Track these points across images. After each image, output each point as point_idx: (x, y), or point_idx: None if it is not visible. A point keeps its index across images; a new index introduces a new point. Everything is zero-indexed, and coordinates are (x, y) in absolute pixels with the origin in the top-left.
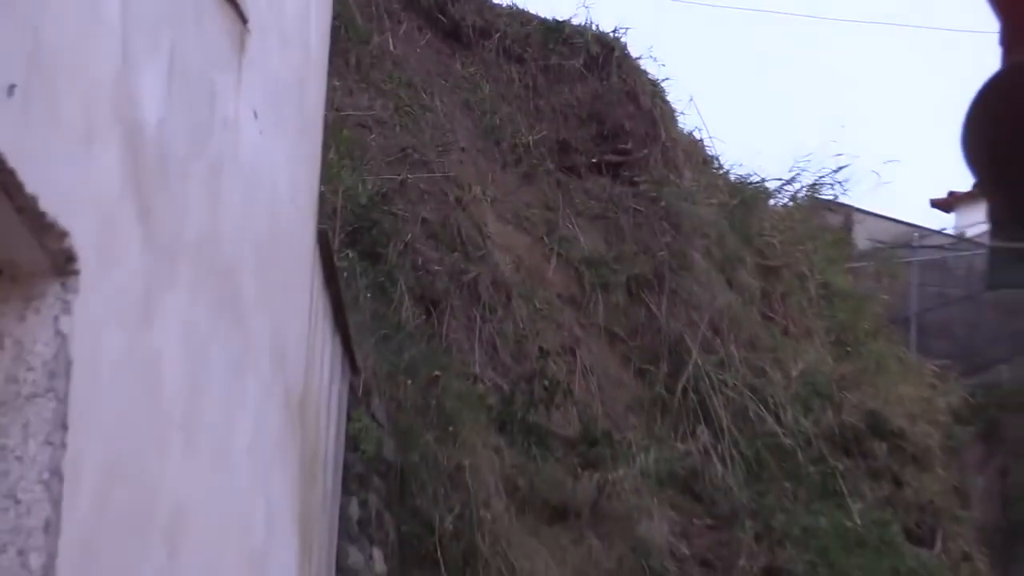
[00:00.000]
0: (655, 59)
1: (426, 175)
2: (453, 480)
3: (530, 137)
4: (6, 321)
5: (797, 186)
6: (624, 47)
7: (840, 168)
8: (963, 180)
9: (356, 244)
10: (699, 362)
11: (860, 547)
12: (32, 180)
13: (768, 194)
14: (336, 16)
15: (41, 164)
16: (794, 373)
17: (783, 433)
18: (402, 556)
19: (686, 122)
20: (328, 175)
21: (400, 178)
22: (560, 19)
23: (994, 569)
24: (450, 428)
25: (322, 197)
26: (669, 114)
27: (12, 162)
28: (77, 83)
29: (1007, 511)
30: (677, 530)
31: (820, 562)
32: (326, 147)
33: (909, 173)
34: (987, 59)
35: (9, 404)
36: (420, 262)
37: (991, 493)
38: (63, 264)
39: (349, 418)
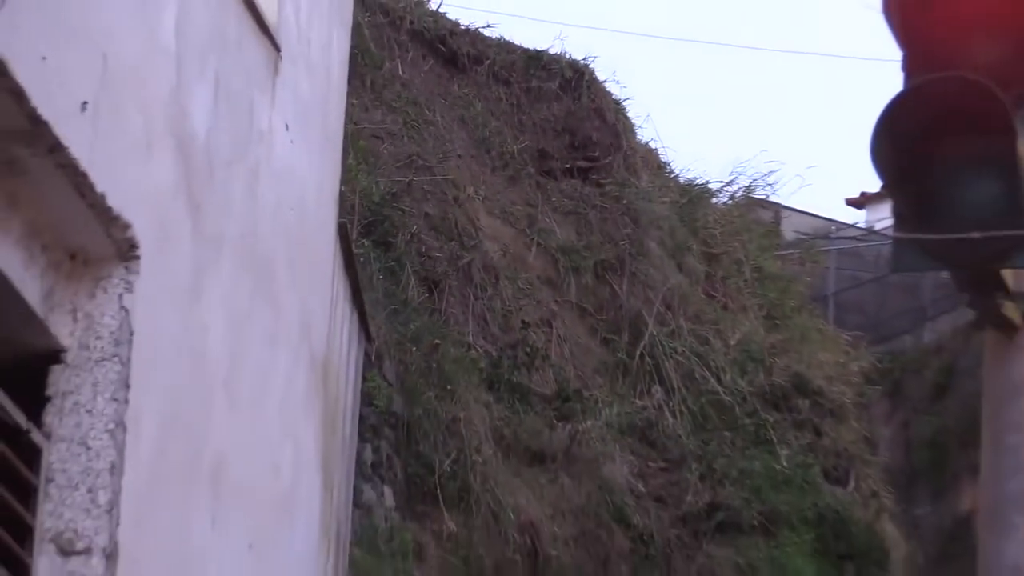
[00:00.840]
0: (618, 82)
1: (428, 178)
2: (450, 430)
3: (514, 146)
4: (79, 298)
5: (735, 187)
6: (592, 72)
7: (770, 172)
8: (872, 182)
9: (370, 235)
10: (654, 332)
11: (786, 486)
12: (101, 180)
13: (711, 194)
14: (354, 46)
15: (108, 167)
16: (732, 342)
17: (723, 391)
18: (408, 493)
19: (643, 134)
20: (347, 177)
21: (407, 180)
22: (539, 49)
23: (897, 504)
24: (448, 387)
25: (342, 196)
26: (629, 127)
27: (84, 166)
28: (138, 100)
29: (908, 456)
30: (635, 472)
31: (754, 498)
32: (345, 154)
33: (827, 176)
34: (889, 82)
35: (81, 367)
36: (423, 249)
37: (895, 441)
38: (126, 250)
39: (364, 378)
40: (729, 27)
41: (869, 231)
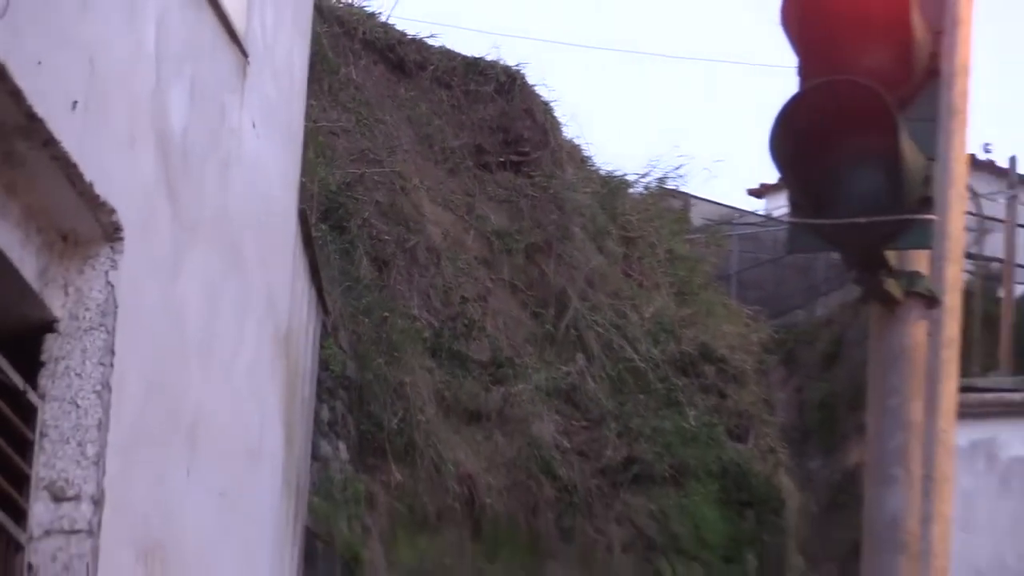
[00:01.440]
0: (546, 86)
1: (378, 170)
2: (397, 392)
3: (455, 142)
4: (70, 274)
5: (649, 179)
6: (523, 77)
7: (680, 166)
8: (770, 174)
9: (327, 220)
10: (577, 307)
11: (694, 442)
12: (89, 171)
13: (628, 185)
14: (313, 53)
15: (96, 159)
16: (646, 315)
17: (638, 359)
18: (360, 448)
19: (569, 132)
20: (307, 169)
21: (360, 172)
22: (477, 56)
23: (791, 459)
24: (395, 354)
25: (302, 185)
26: (556, 126)
27: (75, 158)
28: (123, 99)
29: (802, 417)
30: (560, 429)
31: (665, 453)
32: (305, 149)
33: (730, 169)
34: (786, 85)
35: (71, 335)
36: (374, 233)
37: (790, 404)
38: (112, 233)
39: (321, 346)
40: (648, 37)
41: (767, 217)
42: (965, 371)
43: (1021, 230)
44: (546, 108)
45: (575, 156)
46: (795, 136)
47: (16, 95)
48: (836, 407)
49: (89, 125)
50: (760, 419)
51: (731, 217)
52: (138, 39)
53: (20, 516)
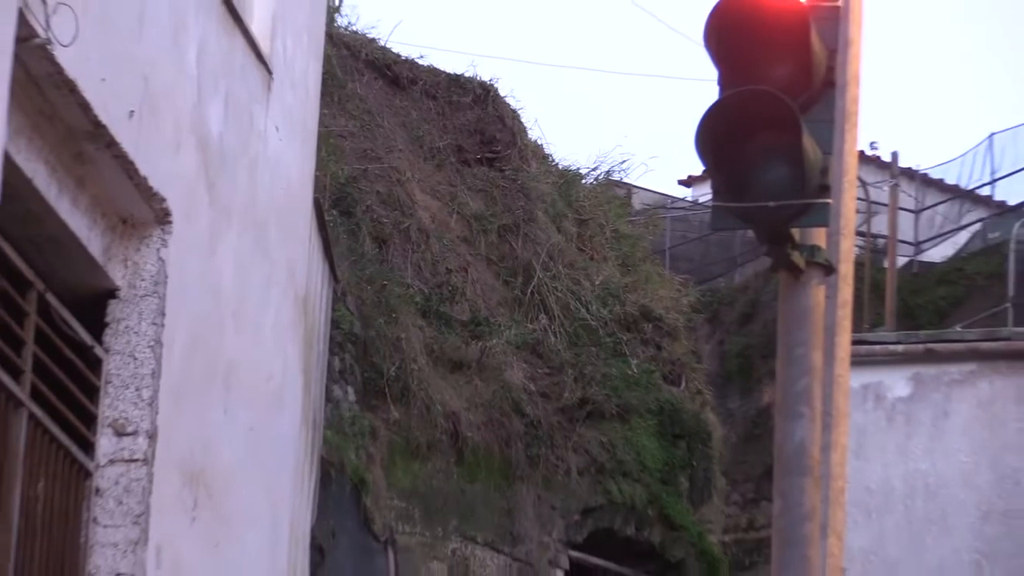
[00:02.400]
0: (514, 96)
1: (378, 166)
2: (395, 346)
3: (440, 143)
4: (128, 251)
5: (598, 172)
6: (496, 89)
7: (623, 161)
8: (697, 167)
9: (337, 206)
10: (540, 276)
11: (636, 385)
12: (143, 167)
13: (581, 177)
14: (325, 71)
15: (149, 158)
16: (596, 282)
17: (590, 318)
18: (364, 391)
19: (532, 134)
20: (320, 166)
21: (363, 168)
22: (458, 73)
23: (715, 399)
24: (393, 315)
25: (316, 179)
26: (522, 129)
27: (132, 157)
28: (170, 109)
29: (723, 365)
30: (527, 376)
31: (612, 395)
32: (319, 149)
33: (664, 163)
34: (707, 94)
35: (130, 301)
36: (375, 217)
37: (714, 354)
38: (162, 217)
39: (333, 309)
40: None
41: (694, 203)
42: (856, 327)
43: (901, 212)
44: (514, 115)
45: (538, 154)
46: (716, 135)
47: (84, 106)
48: (751, 357)
49: (143, 130)
50: (690, 367)
51: (664, 203)
52: (182, 60)
53: (89, 448)
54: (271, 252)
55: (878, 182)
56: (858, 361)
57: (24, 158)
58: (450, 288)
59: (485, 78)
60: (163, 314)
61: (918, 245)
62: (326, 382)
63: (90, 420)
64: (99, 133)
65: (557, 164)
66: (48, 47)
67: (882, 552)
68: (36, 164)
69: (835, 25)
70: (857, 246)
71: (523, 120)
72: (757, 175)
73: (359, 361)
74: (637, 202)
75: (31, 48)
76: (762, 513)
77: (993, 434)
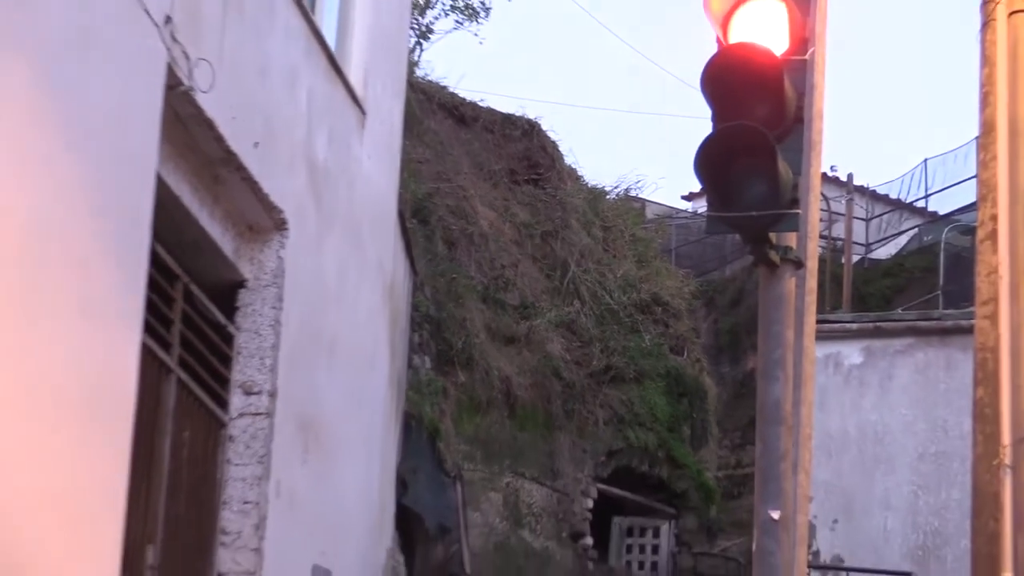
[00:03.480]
0: (553, 131)
1: (448, 185)
2: (461, 325)
3: (496, 167)
4: (253, 251)
5: (619, 189)
6: (539, 126)
7: (638, 180)
8: (696, 185)
9: (416, 216)
10: (574, 270)
11: (648, 356)
12: (265, 186)
13: (605, 193)
14: (407, 111)
15: (269, 179)
16: (618, 275)
17: (613, 303)
18: (438, 360)
19: (567, 160)
20: (403, 184)
21: (436, 186)
22: (510, 112)
23: (711, 365)
24: (460, 300)
25: (400, 195)
26: (559, 157)
27: (256, 178)
28: (286, 141)
29: (717, 339)
30: (564, 348)
31: (630, 362)
32: (402, 171)
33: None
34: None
35: (255, 290)
36: (446, 224)
37: (710, 331)
38: (280, 224)
39: (413, 296)
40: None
41: (694, 213)
42: (820, 310)
43: (855, 220)
44: (553, 145)
45: (571, 175)
46: (710, 160)
47: (219, 139)
48: (739, 332)
49: (265, 157)
50: (690, 341)
51: (671, 213)
52: (295, 102)
53: (223, 405)
54: (364, 251)
55: (836, 196)
56: (821, 336)
57: (173, 180)
58: (504, 280)
59: (531, 116)
60: (281, 300)
61: (868, 246)
62: (408, 353)
63: (224, 383)
64: (231, 160)
65: (586, 183)
66: (191, 93)
67: (840, 484)
68: (182, 184)
69: (803, 75)
70: (820, 246)
71: (560, 149)
72: (742, 191)
73: (433, 336)
74: (649, 212)
75: (177, 94)
76: (747, 455)
77: (927, 393)
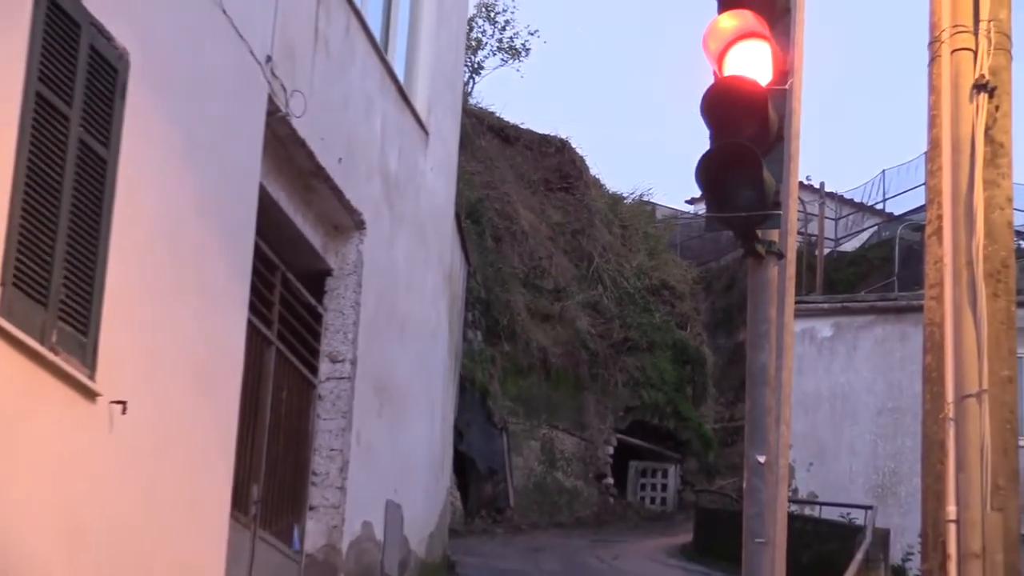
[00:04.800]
0: (580, 148)
1: (495, 192)
2: (506, 305)
3: (534, 177)
4: (338, 246)
5: (634, 195)
6: (569, 143)
7: (650, 188)
8: (696, 191)
9: (470, 217)
10: (597, 261)
11: (659, 330)
12: (347, 193)
13: (623, 198)
14: (462, 133)
15: (351, 188)
16: (633, 265)
17: (629, 287)
18: (487, 334)
19: (593, 171)
20: (459, 192)
21: (486, 193)
22: (545, 133)
23: (709, 338)
24: (505, 286)
25: (456, 200)
26: (586, 168)
27: (340, 187)
28: (365, 156)
29: (714, 316)
30: (590, 324)
31: (643, 335)
32: (458, 181)
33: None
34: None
35: (339, 277)
36: (494, 224)
37: (708, 310)
38: (359, 224)
39: (467, 281)
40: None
41: (696, 214)
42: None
43: (826, 220)
44: (581, 160)
45: (596, 184)
46: (709, 171)
47: (310, 155)
48: (732, 311)
49: (347, 170)
50: (692, 318)
51: (676, 214)
52: (371, 126)
53: (314, 370)
54: (428, 246)
55: (811, 200)
56: (798, 314)
57: (273, 188)
58: (540, 269)
59: (563, 136)
60: (360, 285)
61: (836, 241)
62: (463, 328)
63: (314, 352)
64: (319, 172)
65: (608, 190)
66: (287, 118)
67: (814, 434)
68: (280, 192)
69: (783, 101)
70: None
71: (587, 162)
72: (734, 196)
73: (483, 315)
74: (659, 214)
75: (276, 119)
76: (738, 410)
77: (885, 360)
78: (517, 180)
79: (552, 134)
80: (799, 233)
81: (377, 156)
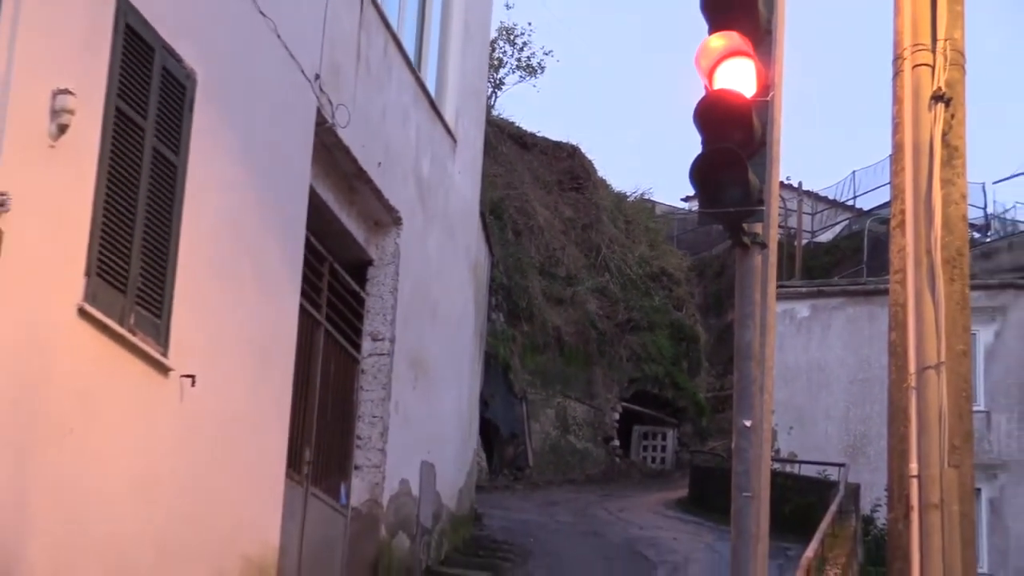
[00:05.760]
0: (588, 153)
1: (515, 192)
2: (525, 291)
3: (549, 179)
4: (378, 239)
5: (636, 193)
6: (579, 149)
7: (650, 187)
8: (690, 190)
9: (493, 214)
10: (604, 251)
11: (658, 312)
12: (386, 193)
13: (627, 196)
14: (486, 140)
15: (389, 189)
16: (636, 255)
17: (632, 274)
18: (509, 315)
19: (600, 173)
20: (483, 192)
21: (507, 193)
22: (558, 140)
23: (702, 318)
24: (524, 274)
25: (481, 199)
26: (594, 170)
27: (380, 188)
28: (400, 161)
29: (707, 299)
30: (598, 306)
31: (644, 316)
32: (483, 183)
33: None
34: (695, 149)
35: (379, 267)
36: (514, 220)
37: (701, 293)
38: (397, 220)
39: (491, 270)
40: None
41: (690, 211)
42: (779, 278)
43: (804, 215)
44: (589, 163)
45: (603, 184)
46: (701, 172)
47: (354, 161)
48: (721, 295)
49: (385, 173)
50: (688, 301)
51: (674, 210)
52: (407, 135)
53: (357, 348)
54: (456, 239)
55: (790, 198)
56: (779, 297)
57: (321, 189)
58: (555, 259)
59: (573, 143)
60: (398, 274)
61: (812, 233)
62: (487, 311)
63: (358, 332)
64: (361, 175)
65: (613, 189)
66: (333, 128)
67: (793, 402)
68: (327, 192)
69: (766, 110)
70: (779, 233)
71: (594, 165)
72: (723, 194)
73: (505, 299)
74: (658, 210)
75: (324, 129)
76: (727, 381)
77: (855, 337)
78: (534, 181)
79: (564, 141)
80: (780, 226)
81: (412, 161)
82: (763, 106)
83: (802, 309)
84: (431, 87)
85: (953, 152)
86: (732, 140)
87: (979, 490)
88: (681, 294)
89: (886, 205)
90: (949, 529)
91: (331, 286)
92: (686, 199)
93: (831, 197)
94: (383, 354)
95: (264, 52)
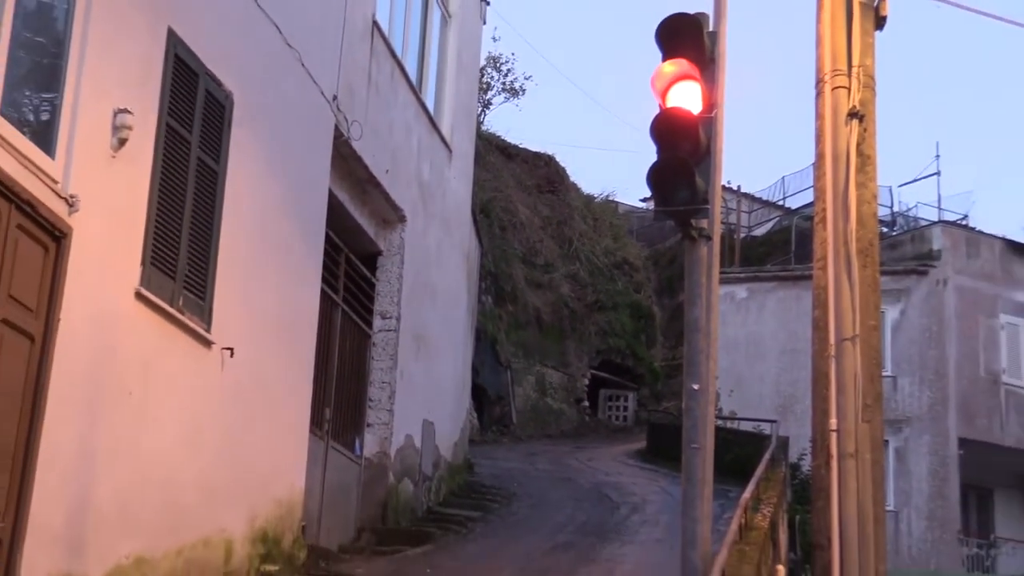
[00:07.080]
0: (562, 162)
1: (501, 194)
2: (509, 276)
3: (529, 183)
4: (385, 234)
5: (602, 195)
6: (555, 158)
7: (614, 190)
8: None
9: (482, 212)
10: (575, 243)
11: (620, 294)
12: (393, 196)
13: (594, 197)
14: (476, 151)
15: (395, 191)
16: (601, 247)
17: (599, 262)
18: (495, 299)
19: (572, 178)
20: (474, 194)
21: (494, 194)
22: (538, 151)
23: (656, 299)
24: (508, 263)
25: (472, 200)
26: (567, 177)
27: (388, 191)
28: (405, 168)
29: (660, 283)
30: (571, 290)
31: (610, 298)
32: (474, 186)
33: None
34: (650, 157)
35: (387, 257)
36: (501, 217)
37: (657, 279)
38: (402, 218)
39: (480, 259)
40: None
41: (648, 209)
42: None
43: (742, 213)
44: (563, 170)
45: (574, 188)
46: (656, 176)
47: (365, 168)
48: (674, 280)
49: (393, 179)
50: (645, 285)
51: (634, 209)
52: (410, 145)
53: (369, 324)
54: (452, 234)
55: (731, 198)
56: (722, 281)
57: (338, 191)
58: (534, 250)
59: (549, 153)
60: (403, 263)
61: (749, 228)
62: (478, 293)
63: (370, 312)
64: (372, 180)
65: (583, 192)
66: (348, 141)
67: (733, 369)
68: (343, 194)
69: (710, 125)
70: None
71: (567, 171)
72: (675, 195)
73: (493, 284)
74: (620, 209)
75: (340, 142)
76: (679, 352)
77: (786, 315)
78: (516, 185)
79: (542, 151)
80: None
81: (414, 168)
82: (708, 122)
83: (741, 291)
84: (430, 106)
85: (866, 160)
86: (682, 150)
87: (887, 441)
88: (640, 279)
89: (810, 205)
90: (863, 474)
91: (347, 273)
92: (644, 200)
93: (764, 198)
94: (391, 330)
95: (290, 77)
